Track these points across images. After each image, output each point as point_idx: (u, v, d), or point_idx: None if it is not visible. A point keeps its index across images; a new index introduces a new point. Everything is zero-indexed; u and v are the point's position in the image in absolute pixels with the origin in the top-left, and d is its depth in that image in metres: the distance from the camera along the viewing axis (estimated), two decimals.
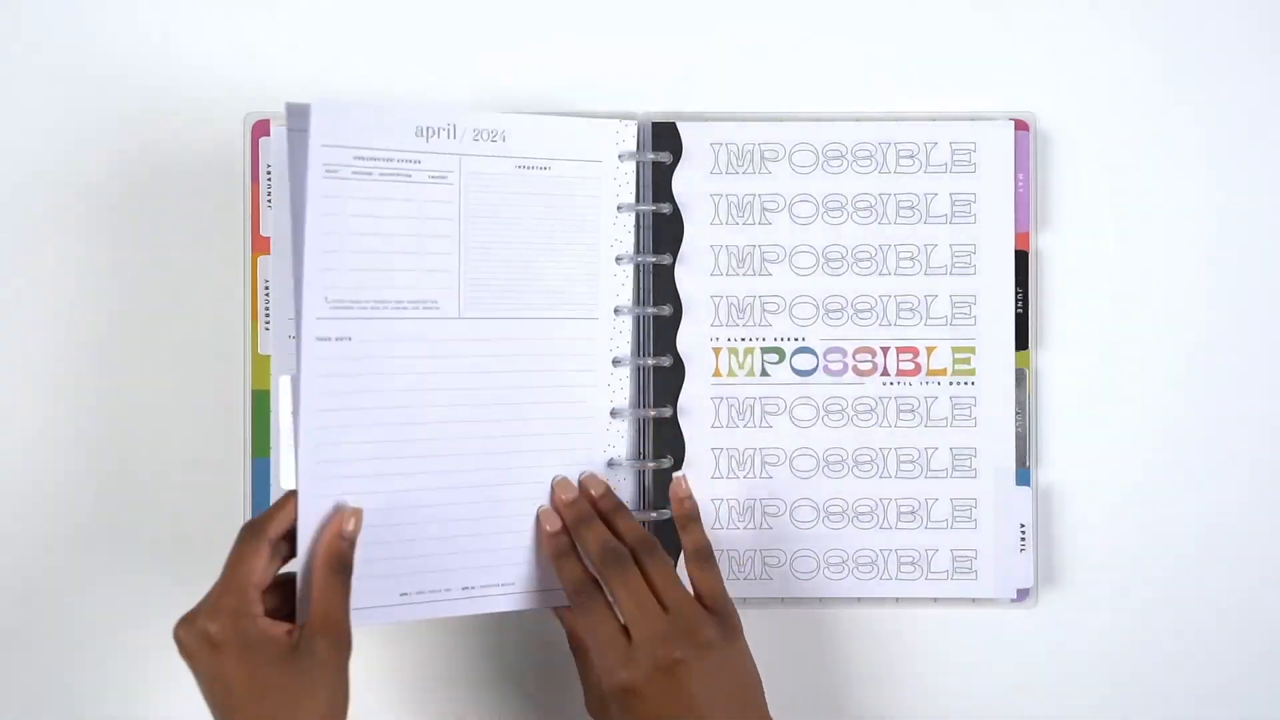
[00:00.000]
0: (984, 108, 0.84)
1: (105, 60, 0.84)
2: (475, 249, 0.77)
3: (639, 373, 0.82)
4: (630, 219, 0.81)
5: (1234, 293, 0.84)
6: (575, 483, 0.78)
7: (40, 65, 0.84)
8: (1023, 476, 0.82)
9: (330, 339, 0.74)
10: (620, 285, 0.81)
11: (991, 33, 0.84)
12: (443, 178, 0.76)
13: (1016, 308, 0.82)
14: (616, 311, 0.81)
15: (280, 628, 0.69)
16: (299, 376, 0.73)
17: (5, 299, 0.83)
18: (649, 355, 0.82)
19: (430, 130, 0.76)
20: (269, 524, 0.71)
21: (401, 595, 0.76)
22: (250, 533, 0.71)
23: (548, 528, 0.77)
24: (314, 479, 0.73)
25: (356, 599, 0.72)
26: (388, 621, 0.75)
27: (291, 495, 0.72)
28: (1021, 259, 0.82)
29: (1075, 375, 0.84)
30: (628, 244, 0.81)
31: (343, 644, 0.70)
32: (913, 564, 0.82)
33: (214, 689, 0.68)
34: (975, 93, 0.84)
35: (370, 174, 0.76)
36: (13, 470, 0.83)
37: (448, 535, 0.77)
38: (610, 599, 0.74)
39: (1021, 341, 0.83)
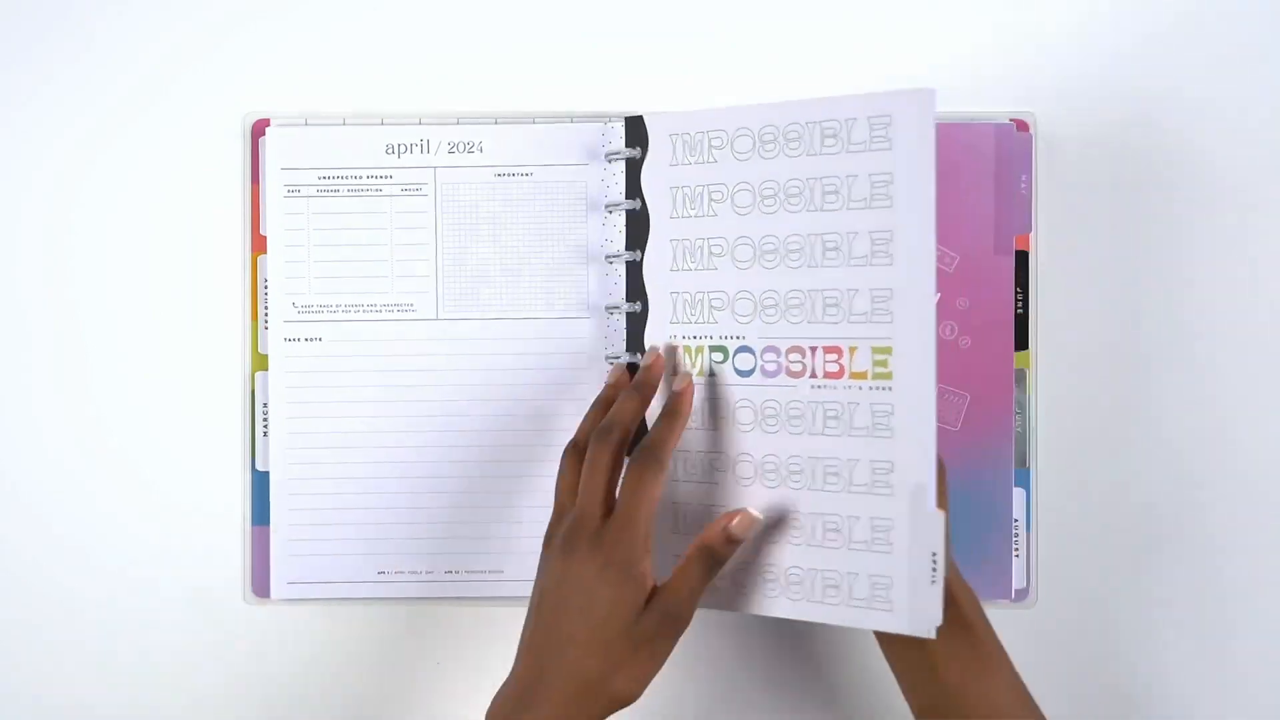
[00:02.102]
0: (984, 108, 0.83)
1: (105, 60, 0.84)
2: (453, 255, 0.81)
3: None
4: (620, 218, 0.81)
5: (1234, 293, 0.84)
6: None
7: (40, 65, 0.84)
8: (1022, 477, 0.82)
9: (299, 340, 0.82)
10: (614, 284, 0.81)
11: (991, 33, 0.84)
12: (416, 189, 0.81)
13: (1016, 308, 0.82)
14: (609, 310, 0.81)
15: (645, 590, 0.70)
16: (269, 375, 0.82)
17: (4, 299, 0.84)
18: (627, 353, 0.82)
19: (401, 147, 0.81)
20: (662, 449, 0.72)
21: (379, 573, 0.82)
22: (648, 459, 0.71)
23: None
24: (283, 473, 0.82)
25: (340, 574, 0.81)
26: (370, 596, 0.81)
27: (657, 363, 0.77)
28: (1021, 259, 0.82)
29: (1075, 375, 0.83)
30: (619, 243, 0.81)
31: (679, 630, 0.70)
32: (835, 587, 0.73)
33: (556, 591, 0.71)
34: (975, 92, 0.84)
35: (337, 190, 0.82)
36: (11, 470, 0.83)
37: (434, 520, 0.82)
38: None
39: (1021, 342, 0.82)
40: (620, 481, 0.72)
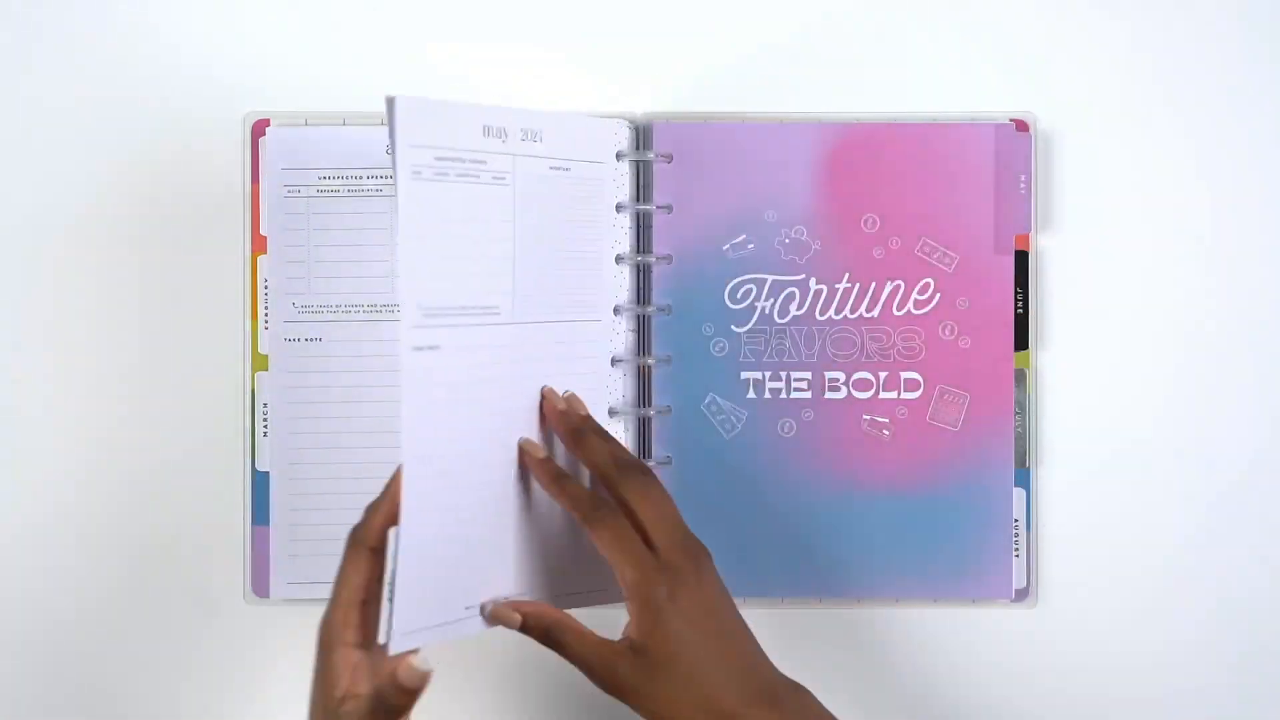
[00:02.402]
0: (984, 108, 0.83)
1: (105, 60, 0.84)
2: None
3: (640, 371, 0.82)
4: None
5: (1234, 293, 0.84)
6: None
7: (40, 65, 0.84)
8: (1021, 477, 0.82)
9: (299, 340, 0.79)
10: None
11: (991, 33, 0.84)
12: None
13: (1017, 308, 0.82)
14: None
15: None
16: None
17: (4, 299, 0.84)
18: (649, 354, 0.82)
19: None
20: (367, 531, 0.69)
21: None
22: (351, 541, 0.70)
23: (536, 455, 0.72)
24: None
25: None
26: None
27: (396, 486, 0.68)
28: (1022, 259, 0.82)
29: (1075, 375, 0.83)
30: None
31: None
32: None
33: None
34: (975, 92, 0.84)
35: (337, 190, 0.80)
36: (10, 470, 0.83)
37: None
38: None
39: (1021, 342, 0.82)
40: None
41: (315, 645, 0.69)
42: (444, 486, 0.69)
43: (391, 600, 0.66)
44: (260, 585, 0.82)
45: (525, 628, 0.70)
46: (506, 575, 0.73)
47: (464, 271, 0.70)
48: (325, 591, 0.81)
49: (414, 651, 0.67)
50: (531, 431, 0.73)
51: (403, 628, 0.67)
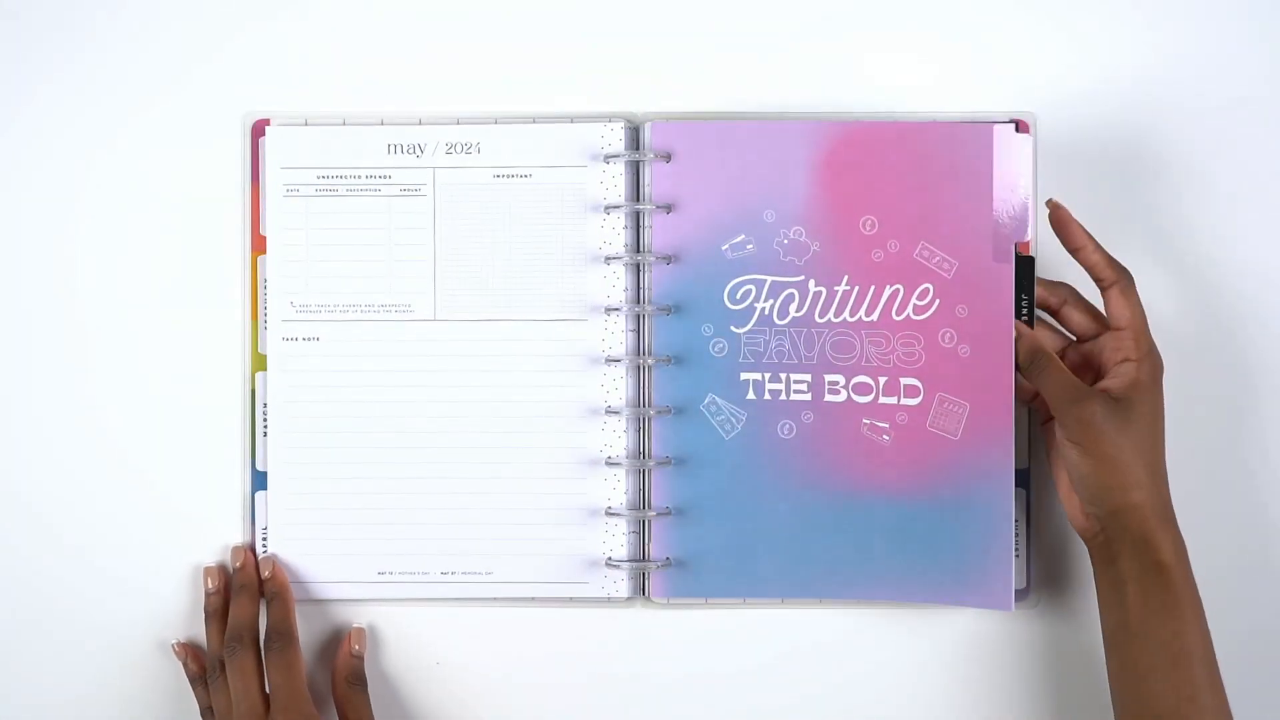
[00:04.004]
0: (984, 108, 0.83)
1: (105, 60, 0.84)
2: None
3: (639, 371, 0.82)
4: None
5: (1234, 293, 0.84)
6: None
7: (40, 65, 0.84)
8: (1021, 477, 0.82)
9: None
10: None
11: (991, 33, 0.84)
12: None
13: (1020, 314, 0.81)
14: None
15: None
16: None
17: (5, 298, 0.84)
18: (650, 354, 0.82)
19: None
20: (287, 627, 0.81)
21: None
22: (281, 642, 0.80)
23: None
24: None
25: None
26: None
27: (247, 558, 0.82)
28: (1025, 264, 0.82)
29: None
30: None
31: None
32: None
33: None
34: (975, 93, 0.84)
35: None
36: (10, 470, 0.84)
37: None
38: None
39: None
40: (266, 676, 0.79)
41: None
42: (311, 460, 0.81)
43: None
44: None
45: (1018, 344, 0.79)
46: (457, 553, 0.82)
47: (355, 274, 0.81)
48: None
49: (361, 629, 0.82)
50: (453, 417, 0.82)
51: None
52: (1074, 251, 0.79)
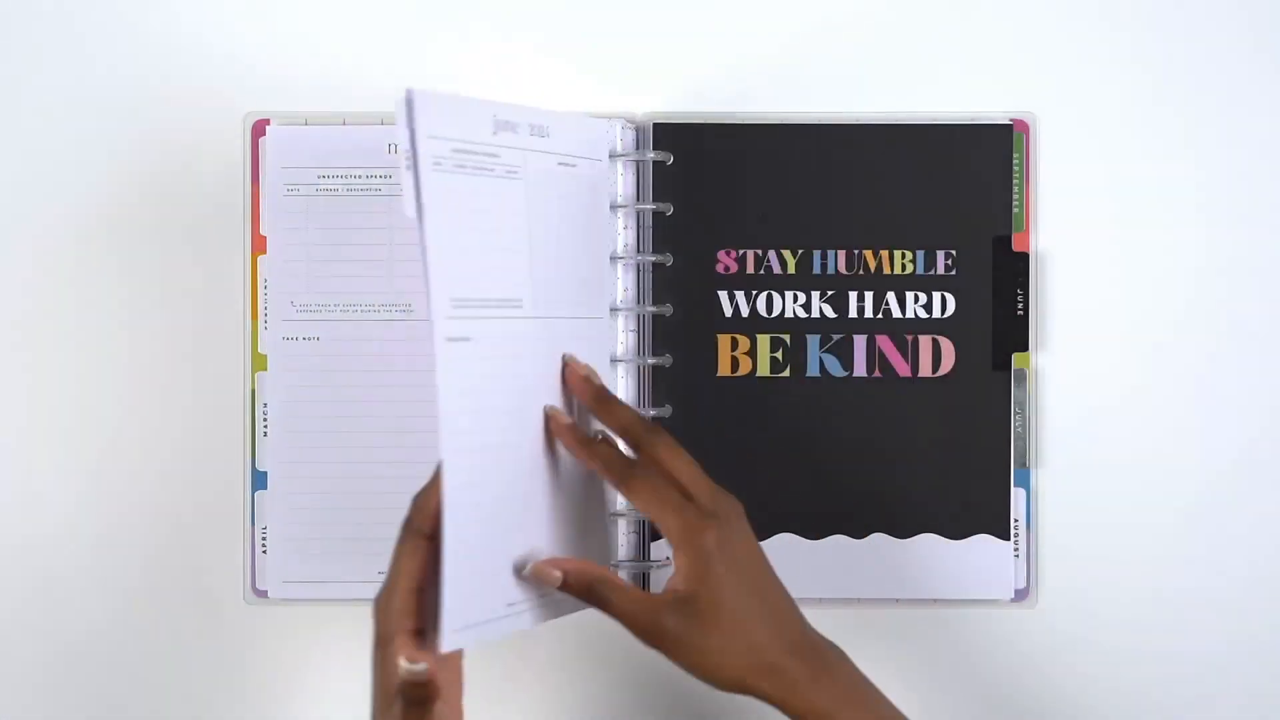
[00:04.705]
0: (984, 108, 0.83)
1: (105, 60, 0.84)
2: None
3: (639, 371, 0.82)
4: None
5: (1233, 293, 0.84)
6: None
7: (39, 65, 0.84)
8: (1021, 477, 0.82)
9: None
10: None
11: (991, 33, 0.84)
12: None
13: (1017, 308, 0.82)
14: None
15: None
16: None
17: (4, 299, 0.84)
18: (649, 354, 0.82)
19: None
20: (422, 517, 0.68)
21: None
22: (406, 529, 0.68)
23: (563, 421, 0.72)
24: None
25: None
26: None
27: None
28: (1022, 260, 0.82)
29: (1075, 375, 0.83)
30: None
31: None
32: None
33: None
34: (975, 92, 0.84)
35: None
36: (10, 470, 0.83)
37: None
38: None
39: (1021, 343, 0.82)
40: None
41: (372, 633, 0.68)
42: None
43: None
44: (260, 585, 0.82)
45: (566, 585, 0.70)
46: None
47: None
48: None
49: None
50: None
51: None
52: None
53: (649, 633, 0.68)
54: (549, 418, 0.72)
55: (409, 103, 0.65)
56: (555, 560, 0.70)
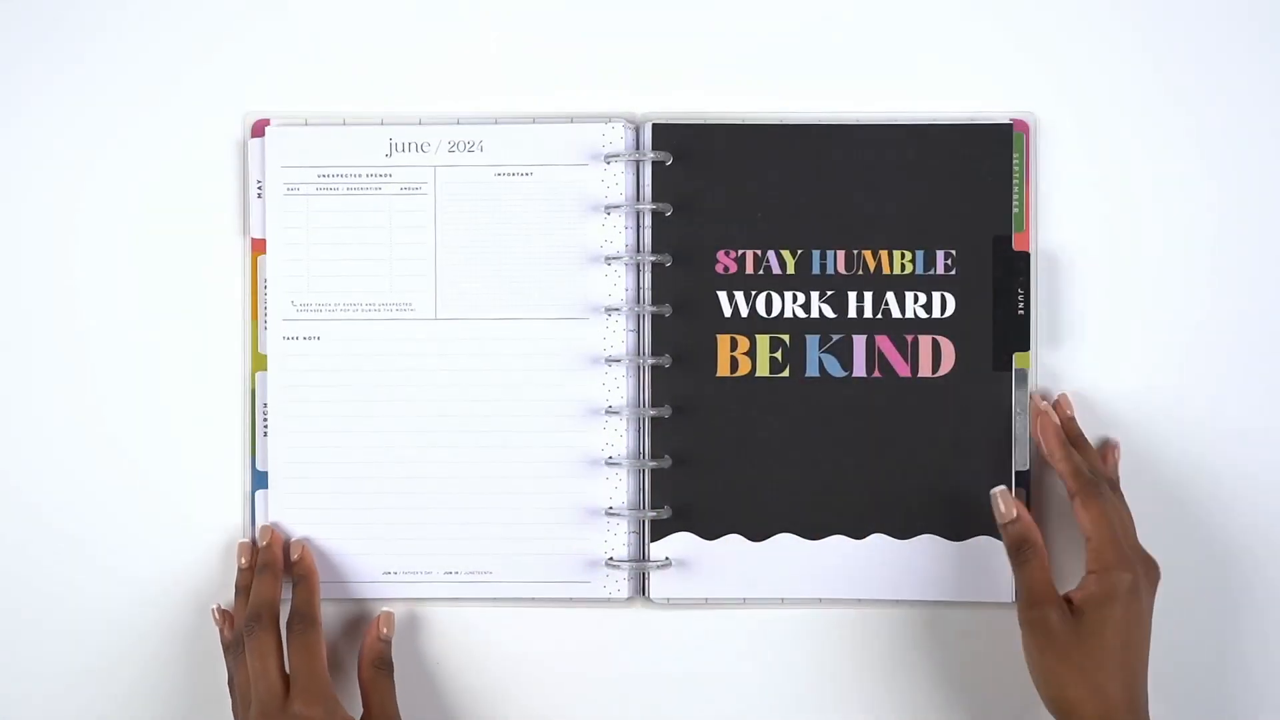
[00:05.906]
0: (984, 108, 0.83)
1: (105, 60, 0.84)
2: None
3: (639, 371, 0.82)
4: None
5: (1235, 292, 0.84)
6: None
7: (40, 65, 0.84)
8: (1021, 477, 0.82)
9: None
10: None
11: (991, 33, 0.84)
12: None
13: (1017, 308, 0.82)
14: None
15: None
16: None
17: (5, 299, 0.84)
18: (649, 354, 0.82)
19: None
20: (310, 610, 0.79)
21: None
22: (304, 624, 0.78)
23: (1052, 419, 0.80)
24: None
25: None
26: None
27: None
28: (1022, 260, 0.82)
29: (1075, 374, 0.83)
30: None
31: None
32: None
33: None
34: (975, 92, 0.84)
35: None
36: (11, 470, 0.84)
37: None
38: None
39: (1022, 342, 0.82)
40: (287, 657, 0.77)
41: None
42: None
43: None
44: None
45: (1011, 523, 0.78)
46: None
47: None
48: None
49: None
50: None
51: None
52: (1047, 458, 0.79)
53: (1034, 608, 0.75)
54: (1043, 413, 0.80)
55: (263, 138, 0.78)
56: (1017, 502, 0.79)
